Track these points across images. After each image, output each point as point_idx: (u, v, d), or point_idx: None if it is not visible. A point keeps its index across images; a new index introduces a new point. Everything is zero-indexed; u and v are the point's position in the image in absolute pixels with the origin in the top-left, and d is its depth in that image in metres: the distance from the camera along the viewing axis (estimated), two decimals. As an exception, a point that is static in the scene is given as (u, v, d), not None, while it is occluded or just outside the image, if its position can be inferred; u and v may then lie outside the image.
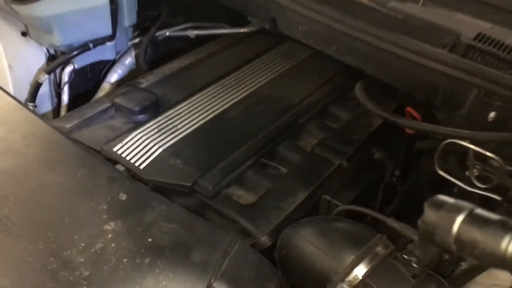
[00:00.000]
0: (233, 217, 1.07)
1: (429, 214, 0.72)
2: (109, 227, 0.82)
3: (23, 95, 1.50)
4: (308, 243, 0.84)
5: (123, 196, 0.88)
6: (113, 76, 1.67)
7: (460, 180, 1.28)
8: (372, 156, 1.28)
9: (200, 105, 1.32)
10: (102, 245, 0.79)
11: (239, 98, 1.36)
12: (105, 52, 1.61)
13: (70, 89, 1.57)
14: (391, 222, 0.91)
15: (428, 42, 1.10)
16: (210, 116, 1.28)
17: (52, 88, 1.57)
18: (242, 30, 1.67)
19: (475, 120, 1.09)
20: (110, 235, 0.81)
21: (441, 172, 1.23)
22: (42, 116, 1.17)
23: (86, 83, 1.63)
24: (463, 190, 1.25)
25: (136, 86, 1.39)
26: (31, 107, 1.49)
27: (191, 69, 1.49)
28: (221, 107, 1.32)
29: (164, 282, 0.75)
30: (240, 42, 1.64)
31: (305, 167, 1.22)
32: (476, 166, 1.24)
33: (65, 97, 1.57)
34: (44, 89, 1.55)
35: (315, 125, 1.35)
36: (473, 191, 1.17)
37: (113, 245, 0.79)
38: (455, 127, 1.11)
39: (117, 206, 0.87)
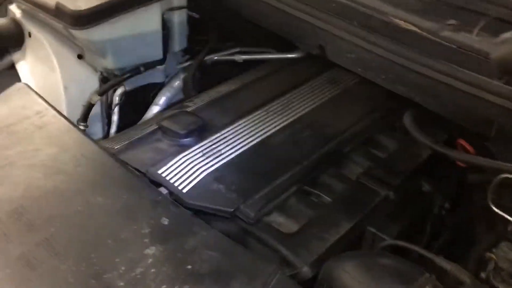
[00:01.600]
0: (274, 245, 1.05)
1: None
2: (150, 252, 0.82)
3: (76, 115, 1.55)
4: (352, 278, 0.82)
5: (165, 221, 0.88)
6: (162, 99, 1.71)
7: (515, 218, 1.22)
8: (420, 188, 1.24)
9: (245, 130, 1.32)
10: (142, 269, 0.79)
11: (284, 124, 1.35)
12: (155, 75, 1.65)
13: (120, 110, 1.62)
14: (441, 261, 0.87)
15: (483, 74, 1.06)
16: (255, 142, 1.28)
17: (103, 109, 1.62)
18: (289, 56, 1.68)
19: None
20: (150, 260, 0.81)
21: (494, 208, 1.17)
22: (92, 138, 1.20)
23: (136, 105, 1.67)
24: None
25: (183, 109, 1.41)
26: (82, 127, 1.54)
27: (238, 93, 1.50)
28: (265, 132, 1.31)
29: (200, 312, 0.74)
30: (287, 68, 1.65)
31: (349, 196, 1.19)
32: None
33: (115, 118, 1.61)
34: (96, 110, 1.60)
35: (361, 154, 1.32)
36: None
37: (153, 270, 0.79)
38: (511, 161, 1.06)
39: (159, 230, 0.87)
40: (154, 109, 1.68)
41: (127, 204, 0.94)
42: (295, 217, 1.13)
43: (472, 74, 1.04)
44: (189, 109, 1.41)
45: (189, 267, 0.81)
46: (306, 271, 1.00)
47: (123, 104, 1.61)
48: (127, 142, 1.28)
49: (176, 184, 1.13)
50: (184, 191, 1.12)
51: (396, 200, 1.19)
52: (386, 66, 1.16)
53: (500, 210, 1.16)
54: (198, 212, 1.10)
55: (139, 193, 0.97)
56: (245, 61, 1.77)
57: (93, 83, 1.59)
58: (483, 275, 1.21)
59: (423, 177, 1.26)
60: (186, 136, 1.28)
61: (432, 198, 1.23)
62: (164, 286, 0.77)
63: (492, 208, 1.16)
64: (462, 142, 1.10)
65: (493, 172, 1.05)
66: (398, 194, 1.20)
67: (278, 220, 1.13)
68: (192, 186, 1.14)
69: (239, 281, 0.79)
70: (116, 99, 1.60)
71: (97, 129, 1.62)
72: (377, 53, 1.15)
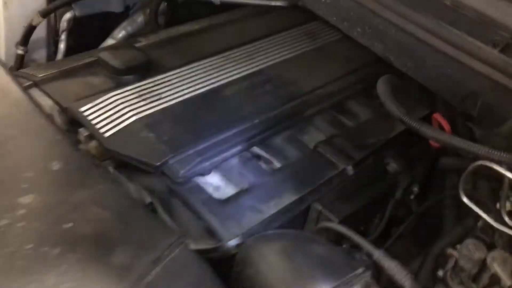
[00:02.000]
0: (200, 211, 0.89)
1: None
2: (25, 201, 0.66)
3: (16, 37, 1.36)
4: (267, 265, 0.66)
5: (56, 165, 0.71)
6: (121, 33, 1.51)
7: (488, 213, 1.06)
8: (385, 166, 1.07)
9: (196, 76, 1.13)
10: (8, 221, 0.63)
11: (243, 74, 1.17)
12: (111, 3, 1.44)
13: (69, 39, 1.42)
14: (379, 256, 0.71)
15: (475, 37, 0.87)
16: (204, 90, 1.10)
17: (49, 34, 1.42)
18: (273, 3, 1.47)
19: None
20: (22, 211, 0.65)
21: (465, 200, 1.01)
22: (4, 63, 1.02)
23: (89, 35, 1.47)
24: (489, 226, 1.02)
25: (131, 44, 1.22)
26: (21, 51, 1.35)
27: (199, 35, 1.31)
28: (219, 81, 1.13)
29: (67, 284, 0.58)
30: (264, 15, 1.44)
31: (301, 166, 1.02)
32: (511, 198, 1.01)
33: (62, 46, 1.42)
34: (41, 34, 1.40)
35: (326, 119, 1.14)
36: (500, 230, 0.95)
37: (21, 224, 0.63)
38: (492, 147, 0.89)
39: (44, 176, 0.70)
40: (109, 43, 1.48)
41: (19, 142, 0.76)
42: (235, 182, 0.96)
43: (462, 35, 0.86)
44: (138, 44, 1.22)
45: (69, 225, 0.64)
46: (229, 246, 0.84)
47: (73, 32, 1.42)
48: (56, 71, 1.10)
49: (97, 126, 0.96)
50: (106, 135, 0.95)
51: (354, 177, 1.02)
52: (363, 17, 0.97)
53: (472, 202, 1.00)
54: (120, 163, 0.94)
55: (36, 131, 0.79)
56: (223, 3, 1.56)
57: (40, 1, 1.38)
58: (440, 273, 1.06)
59: (391, 155, 1.09)
60: (124, 72, 1.10)
61: (397, 180, 1.07)
62: (30, 246, 0.61)
63: (463, 200, 1.01)
64: (438, 117, 0.93)
65: (471, 157, 0.89)
66: (358, 170, 1.03)
67: (213, 182, 0.96)
68: (117, 131, 0.96)
69: (125, 252, 0.63)
70: (64, 24, 1.40)
71: (40, 56, 1.43)
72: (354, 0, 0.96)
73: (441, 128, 0.92)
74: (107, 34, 1.50)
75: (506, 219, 0.97)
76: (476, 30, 0.88)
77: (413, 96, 1.15)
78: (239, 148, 1.01)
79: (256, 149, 1.04)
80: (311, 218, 0.95)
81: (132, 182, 0.91)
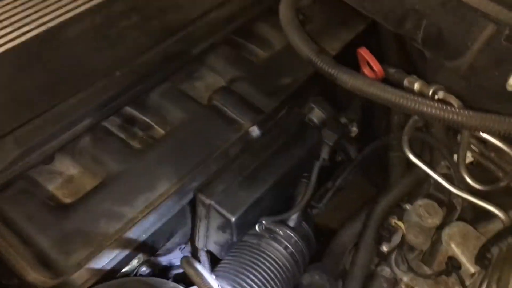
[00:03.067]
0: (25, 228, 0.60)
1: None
2: None
3: None
4: None
5: None
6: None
7: (444, 160, 0.82)
8: (303, 117, 0.78)
9: (22, 13, 0.78)
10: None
11: (91, 3, 0.81)
12: None
13: None
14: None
15: None
16: (36, 32, 0.76)
17: None
18: None
19: (481, 82, 0.59)
20: None
21: (411, 157, 0.75)
22: None
23: None
24: (441, 189, 0.78)
25: None
26: None
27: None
28: (58, 17, 0.78)
29: None
30: None
31: (189, 132, 0.73)
32: (473, 148, 0.76)
33: None
34: None
35: (224, 56, 0.83)
36: (461, 195, 0.71)
37: None
38: (447, 86, 0.62)
39: None
40: None
41: None
42: (92, 170, 0.67)
43: None
44: None
45: None
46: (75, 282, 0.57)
47: None
48: None
49: None
50: None
51: (262, 140, 0.74)
52: None
53: (418, 159, 0.75)
54: None
55: None
56: None
57: None
58: (384, 247, 0.83)
59: (315, 99, 0.81)
60: None
61: (319, 135, 0.79)
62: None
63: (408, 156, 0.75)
64: (364, 52, 0.63)
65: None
66: (268, 127, 0.75)
67: (55, 177, 0.67)
68: None
69: None
70: None
71: None
72: None
73: (370, 67, 0.63)
74: None
75: (466, 177, 0.73)
76: None
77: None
78: (94, 118, 0.71)
79: (127, 113, 0.74)
80: (200, 215, 0.67)
81: None
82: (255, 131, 0.74)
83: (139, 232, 0.63)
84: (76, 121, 0.69)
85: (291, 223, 0.86)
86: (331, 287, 0.85)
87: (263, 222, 0.82)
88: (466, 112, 0.54)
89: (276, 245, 0.82)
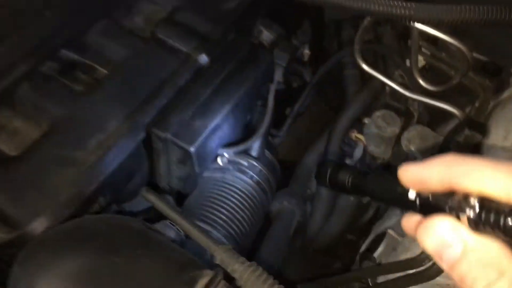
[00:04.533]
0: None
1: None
2: None
3: None
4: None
5: None
6: None
7: (397, 68, 0.82)
8: (251, 41, 0.76)
9: None
10: None
11: None
12: None
13: None
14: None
15: None
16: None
17: None
18: None
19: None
20: None
21: (364, 66, 0.75)
22: None
23: None
24: (397, 97, 0.78)
25: None
26: None
27: None
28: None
29: None
30: None
31: (133, 68, 0.69)
32: (424, 51, 0.75)
33: None
34: None
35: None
36: (416, 99, 0.71)
37: None
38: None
39: None
40: None
41: None
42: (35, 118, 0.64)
43: None
44: None
45: None
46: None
47: None
48: None
49: None
50: None
51: (211, 64, 0.71)
52: None
53: (370, 68, 0.74)
54: None
55: None
56: None
57: None
58: (348, 162, 0.84)
59: (262, 21, 0.78)
60: None
61: (271, 57, 0.76)
62: None
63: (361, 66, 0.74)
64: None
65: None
66: (217, 54, 0.72)
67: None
68: None
69: None
70: None
71: None
72: None
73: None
74: None
75: (420, 80, 0.73)
76: None
77: None
78: (28, 64, 0.66)
79: (64, 54, 0.70)
80: (158, 151, 0.65)
81: None
82: (203, 58, 0.71)
83: (94, 175, 0.60)
84: (9, 69, 0.64)
85: (254, 153, 0.85)
86: (300, 211, 0.86)
87: (225, 154, 0.81)
88: (413, 5, 0.52)
89: (241, 175, 0.81)
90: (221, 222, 0.74)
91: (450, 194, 0.31)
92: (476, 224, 0.29)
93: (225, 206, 0.76)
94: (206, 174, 0.81)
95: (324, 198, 0.86)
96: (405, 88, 0.73)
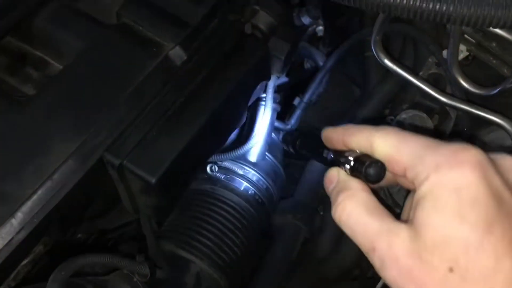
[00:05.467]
0: None
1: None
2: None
3: None
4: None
5: None
6: None
7: (432, 54, 0.65)
8: (241, 27, 0.59)
9: None
10: None
11: None
12: None
13: None
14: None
15: None
16: None
17: None
18: None
19: None
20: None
21: (387, 62, 0.58)
22: None
23: None
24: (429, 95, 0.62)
25: None
26: None
27: None
28: None
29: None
30: None
31: (91, 65, 0.54)
32: (468, 38, 0.57)
33: None
34: None
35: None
36: (453, 105, 0.54)
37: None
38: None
39: None
40: None
41: None
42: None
43: None
44: None
45: None
46: None
47: None
48: None
49: None
50: None
51: (188, 60, 0.56)
52: None
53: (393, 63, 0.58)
54: None
55: None
56: None
57: None
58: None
59: (258, 2, 0.61)
60: None
61: (265, 49, 0.60)
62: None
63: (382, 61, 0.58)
64: None
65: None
66: (196, 47, 0.56)
67: None
68: None
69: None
70: None
71: None
72: None
73: None
74: None
75: (460, 79, 0.56)
76: None
77: None
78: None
79: (13, 43, 0.56)
80: (115, 179, 0.51)
81: None
82: (178, 53, 0.55)
83: (32, 211, 0.47)
84: None
85: (252, 158, 0.70)
86: (307, 226, 0.72)
87: (216, 161, 0.67)
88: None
89: (234, 187, 0.67)
90: (205, 250, 0.61)
91: (346, 151, 0.43)
92: (352, 172, 0.42)
93: (211, 229, 0.63)
94: (192, 185, 0.67)
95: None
96: (438, 91, 0.56)
